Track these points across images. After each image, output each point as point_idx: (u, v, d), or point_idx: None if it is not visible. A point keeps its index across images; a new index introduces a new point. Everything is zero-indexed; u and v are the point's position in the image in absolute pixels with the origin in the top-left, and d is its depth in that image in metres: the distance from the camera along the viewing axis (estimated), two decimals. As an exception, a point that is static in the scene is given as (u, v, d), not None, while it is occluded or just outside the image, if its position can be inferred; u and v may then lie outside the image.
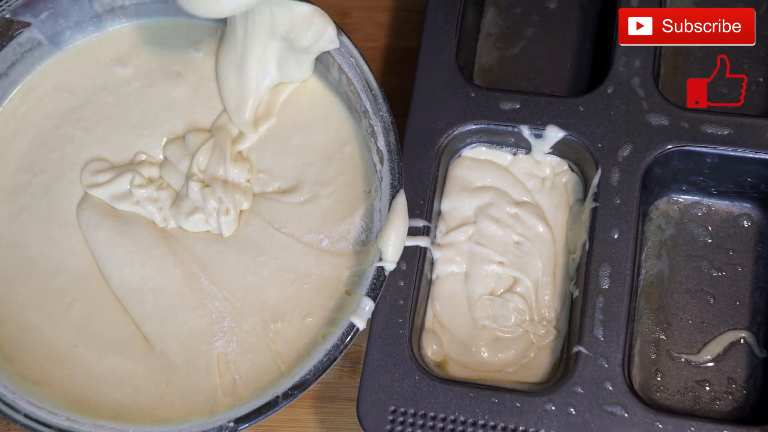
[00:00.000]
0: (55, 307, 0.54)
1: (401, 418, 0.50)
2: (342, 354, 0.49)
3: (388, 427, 0.50)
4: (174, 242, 0.55)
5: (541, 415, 0.50)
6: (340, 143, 0.56)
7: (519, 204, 0.56)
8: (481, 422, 0.50)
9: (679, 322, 0.55)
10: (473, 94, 0.56)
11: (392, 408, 0.50)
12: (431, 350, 0.53)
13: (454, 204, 0.56)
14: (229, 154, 0.55)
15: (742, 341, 0.54)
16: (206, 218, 0.55)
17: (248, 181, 0.56)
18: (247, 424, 0.49)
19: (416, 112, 0.56)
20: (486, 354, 0.53)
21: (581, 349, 0.51)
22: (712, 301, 0.55)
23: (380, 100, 0.53)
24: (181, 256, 0.54)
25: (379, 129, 0.53)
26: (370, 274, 0.51)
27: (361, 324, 0.50)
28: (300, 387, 0.49)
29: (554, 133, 0.55)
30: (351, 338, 0.49)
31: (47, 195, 0.56)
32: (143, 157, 0.57)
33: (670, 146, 0.54)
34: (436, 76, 0.56)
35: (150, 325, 0.53)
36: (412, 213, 0.53)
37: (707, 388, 0.54)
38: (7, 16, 0.56)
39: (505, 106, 0.56)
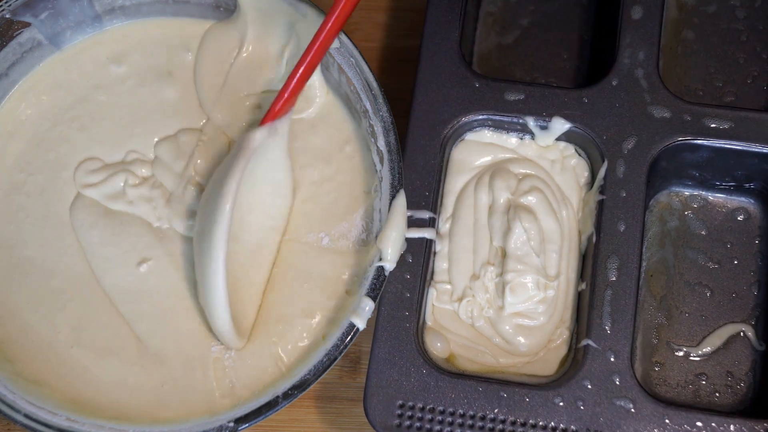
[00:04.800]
0: (52, 307, 0.53)
1: (409, 413, 0.49)
2: (342, 354, 0.49)
3: (396, 421, 0.49)
4: (169, 244, 0.54)
5: (550, 409, 0.49)
6: (340, 143, 0.55)
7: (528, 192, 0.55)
8: (490, 416, 0.49)
9: (679, 315, 0.55)
10: (477, 84, 0.55)
11: (400, 402, 0.50)
12: (435, 348, 0.53)
13: (453, 188, 0.56)
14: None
15: (741, 334, 0.55)
16: None
17: None
18: (247, 424, 0.48)
19: (420, 103, 0.55)
20: (492, 357, 0.53)
21: (590, 342, 0.50)
22: (709, 294, 0.56)
23: (380, 100, 0.53)
24: (177, 258, 0.53)
25: (379, 129, 0.52)
26: (370, 274, 0.50)
27: (361, 324, 0.49)
28: (300, 387, 0.48)
29: (560, 125, 0.55)
30: (351, 338, 0.49)
31: (42, 195, 0.55)
32: (134, 156, 0.56)
33: (675, 139, 0.54)
34: (440, 66, 0.56)
35: (145, 326, 0.52)
36: (418, 205, 0.53)
37: (707, 381, 0.54)
38: (7, 16, 0.55)
39: (509, 96, 0.55)
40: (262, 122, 0.51)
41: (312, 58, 0.51)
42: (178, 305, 0.53)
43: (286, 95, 0.51)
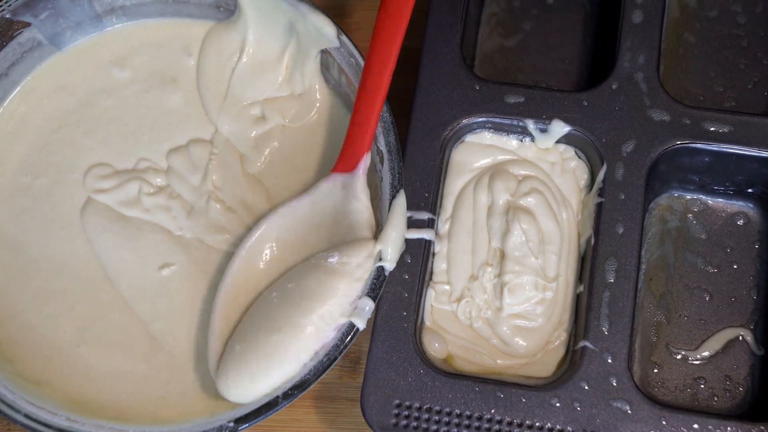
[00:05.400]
0: (57, 308, 0.53)
1: (406, 412, 0.50)
2: (342, 354, 0.49)
3: (393, 421, 0.49)
4: (194, 252, 0.54)
5: (546, 410, 0.49)
6: (339, 146, 0.55)
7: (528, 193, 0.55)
8: (486, 417, 0.49)
9: (678, 319, 0.55)
10: (477, 87, 0.56)
11: (397, 402, 0.50)
12: (433, 349, 0.53)
13: (452, 190, 0.56)
14: (241, 175, 0.55)
15: (740, 338, 0.55)
16: (234, 240, 0.54)
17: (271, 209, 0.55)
18: (247, 424, 0.48)
19: (420, 105, 0.55)
20: (490, 358, 0.53)
21: (587, 344, 0.51)
22: (708, 298, 0.56)
23: None
24: (205, 267, 0.54)
25: (379, 129, 0.52)
26: (371, 274, 0.50)
27: (361, 324, 0.49)
28: (300, 387, 0.48)
29: (559, 128, 0.55)
30: (351, 338, 0.49)
31: (49, 197, 0.55)
32: (146, 164, 0.56)
33: (674, 143, 0.54)
34: (441, 68, 0.56)
35: (160, 324, 0.53)
36: (417, 206, 0.53)
37: (705, 385, 0.54)
38: (7, 16, 0.55)
39: (509, 99, 0.55)
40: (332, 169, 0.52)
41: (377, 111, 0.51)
42: (200, 307, 0.53)
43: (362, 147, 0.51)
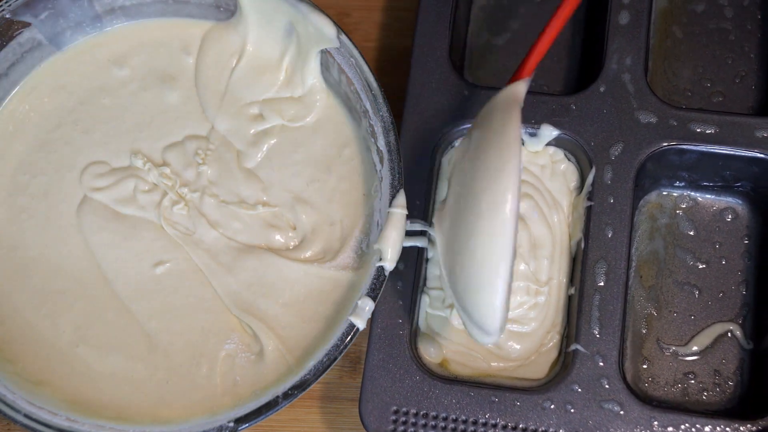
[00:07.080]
0: (56, 307, 0.54)
1: (403, 418, 0.51)
2: (342, 354, 0.49)
3: (391, 427, 0.51)
4: (188, 248, 0.55)
5: (540, 413, 0.50)
6: (339, 147, 0.56)
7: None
8: (482, 421, 0.51)
9: (668, 315, 0.56)
10: (467, 93, 0.56)
11: (394, 408, 0.51)
12: (429, 354, 0.54)
13: (442, 194, 0.56)
14: (237, 169, 0.56)
15: (729, 333, 0.56)
16: (230, 235, 0.55)
17: (265, 204, 0.56)
18: (247, 424, 0.49)
19: (411, 113, 0.56)
20: (484, 362, 0.54)
21: (578, 347, 0.52)
22: (697, 293, 0.57)
23: (380, 100, 0.53)
24: (200, 261, 0.54)
25: (379, 129, 0.53)
26: (370, 274, 0.51)
27: (361, 324, 0.50)
28: (300, 387, 0.49)
29: (548, 132, 0.55)
30: (351, 338, 0.49)
31: (47, 196, 0.56)
32: (142, 161, 0.56)
33: (661, 145, 0.55)
34: (430, 75, 0.56)
35: (156, 323, 0.53)
36: (410, 213, 0.53)
37: (695, 380, 0.55)
38: (7, 16, 0.55)
39: (499, 104, 0.56)
40: (518, 77, 0.48)
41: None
42: (195, 304, 0.54)
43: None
